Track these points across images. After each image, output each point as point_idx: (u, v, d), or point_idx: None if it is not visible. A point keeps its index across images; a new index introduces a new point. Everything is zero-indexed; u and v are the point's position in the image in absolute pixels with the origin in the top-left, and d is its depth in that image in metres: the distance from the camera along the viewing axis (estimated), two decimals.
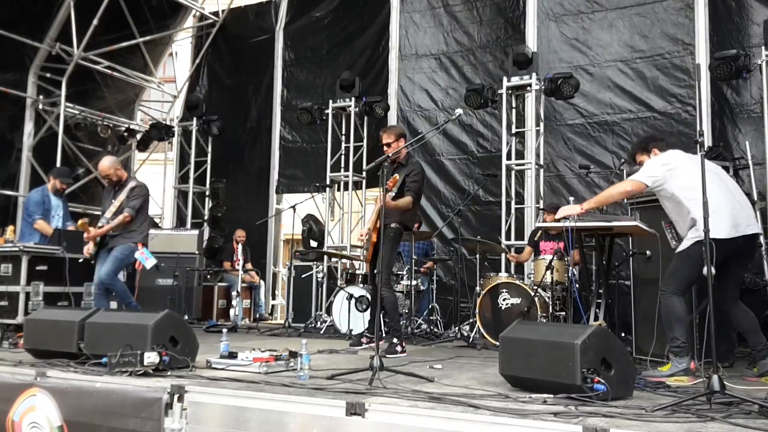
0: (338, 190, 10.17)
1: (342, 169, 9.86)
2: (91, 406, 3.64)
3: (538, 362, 3.45)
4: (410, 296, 7.45)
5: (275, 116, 11.11)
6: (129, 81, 11.79)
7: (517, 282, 6.75)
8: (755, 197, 6.72)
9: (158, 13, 11.47)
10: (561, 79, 7.94)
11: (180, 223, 11.48)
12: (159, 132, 11.53)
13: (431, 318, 7.97)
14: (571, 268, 6.08)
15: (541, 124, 8.49)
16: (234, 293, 9.01)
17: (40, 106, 10.66)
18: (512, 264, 8.01)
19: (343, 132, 9.93)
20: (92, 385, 3.72)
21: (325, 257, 9.19)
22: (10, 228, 6.78)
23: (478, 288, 7.09)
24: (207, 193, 11.02)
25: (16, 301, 6.14)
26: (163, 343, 4.06)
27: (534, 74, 8.19)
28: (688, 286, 4.29)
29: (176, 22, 12.08)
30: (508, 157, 8.40)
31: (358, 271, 8.50)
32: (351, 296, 7.40)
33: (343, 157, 9.88)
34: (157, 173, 12.60)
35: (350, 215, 9.90)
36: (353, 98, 9.60)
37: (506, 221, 8.32)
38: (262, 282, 10.44)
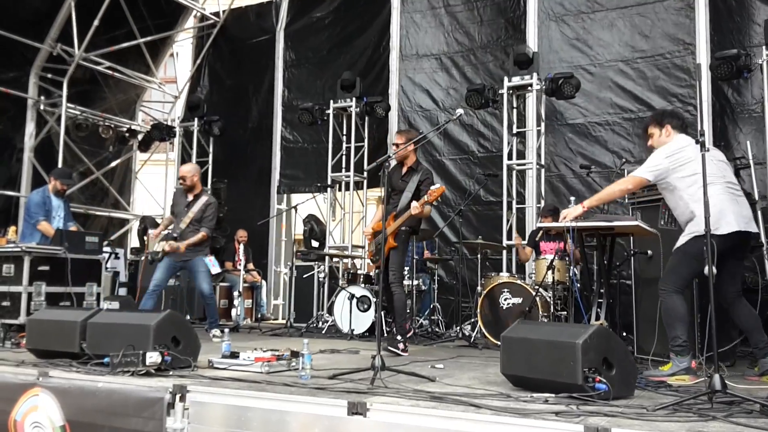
0: (339, 190, 10.17)
1: (343, 170, 9.86)
2: (94, 405, 3.64)
3: (540, 362, 3.45)
4: (412, 296, 7.45)
5: (276, 116, 11.12)
6: (130, 81, 11.80)
7: (519, 282, 6.75)
8: (756, 197, 6.71)
9: (159, 13, 11.48)
10: (562, 79, 7.94)
11: None
12: (160, 132, 11.54)
13: (433, 318, 7.98)
14: (572, 267, 6.08)
15: (542, 124, 8.49)
16: (236, 293, 9.01)
17: (42, 107, 10.66)
18: (513, 263, 8.01)
19: (344, 132, 9.93)
20: (94, 384, 3.73)
21: (327, 257, 9.19)
22: (12, 228, 6.79)
23: (479, 288, 7.10)
24: (209, 191, 11.01)
25: (18, 302, 6.15)
26: (165, 343, 4.07)
27: (535, 74, 8.19)
28: (688, 283, 4.28)
29: (177, 22, 12.09)
30: (509, 157, 8.40)
31: (359, 271, 8.51)
32: (352, 296, 7.40)
33: (344, 157, 9.88)
34: (158, 174, 12.62)
35: (351, 215, 9.90)
36: (354, 98, 9.60)
37: (507, 221, 8.32)
38: (263, 282, 10.45)
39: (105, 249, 8.17)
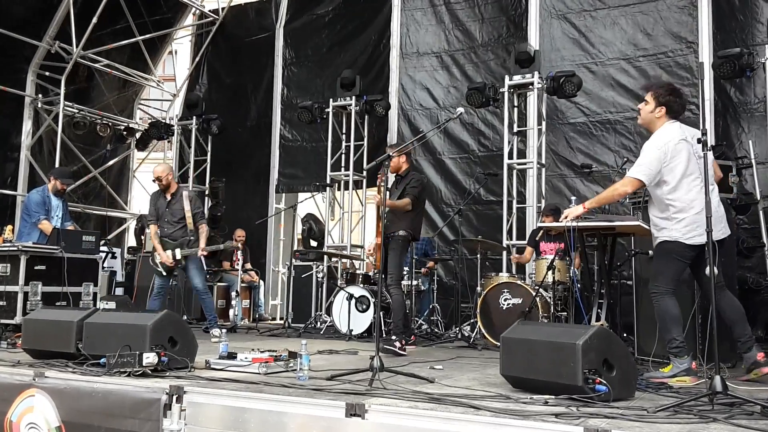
0: (338, 189, 10.14)
1: (342, 168, 9.83)
2: (90, 406, 3.61)
3: (540, 363, 3.43)
4: (411, 296, 7.42)
5: (275, 115, 11.09)
6: (128, 79, 11.77)
7: (519, 282, 6.72)
8: (758, 197, 6.70)
9: (158, 11, 11.46)
10: (563, 78, 7.91)
11: None
12: (158, 131, 11.50)
13: (432, 318, 7.95)
14: (573, 268, 6.05)
15: (543, 123, 8.46)
16: (233, 293, 8.98)
17: (39, 105, 10.63)
18: (513, 264, 7.97)
19: (344, 131, 9.90)
20: (91, 385, 3.70)
21: (325, 257, 9.16)
22: (9, 227, 6.76)
23: (479, 288, 7.07)
24: (206, 192, 10.99)
25: (14, 301, 6.12)
26: (162, 344, 4.04)
27: (536, 72, 8.16)
28: (677, 280, 4.23)
29: (176, 20, 12.07)
30: (510, 156, 8.37)
31: (358, 271, 8.48)
32: (351, 296, 7.37)
33: (343, 156, 9.85)
34: None
35: (350, 215, 9.87)
36: (354, 97, 9.57)
37: (508, 221, 8.29)
38: (261, 282, 10.42)
39: (102, 248, 8.14)
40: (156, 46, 12.09)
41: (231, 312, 8.64)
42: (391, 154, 5.14)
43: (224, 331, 5.19)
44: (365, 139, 9.82)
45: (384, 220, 5.36)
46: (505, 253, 8.11)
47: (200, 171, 11.21)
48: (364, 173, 9.70)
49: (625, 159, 7.29)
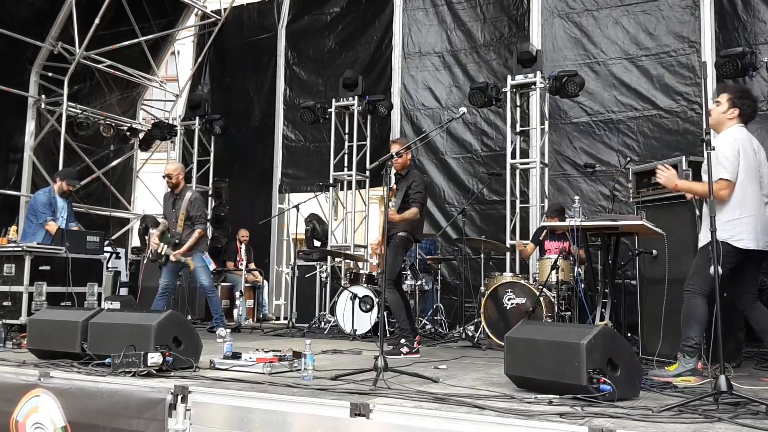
0: (341, 189, 10.14)
1: (345, 168, 9.84)
2: (95, 406, 3.62)
3: (544, 363, 3.43)
4: (415, 296, 7.43)
5: (278, 115, 11.10)
6: (131, 80, 11.78)
7: (522, 281, 6.72)
8: None
9: (160, 11, 11.46)
10: (566, 77, 7.90)
11: None
12: (161, 131, 11.52)
13: (436, 318, 7.95)
14: (576, 267, 6.05)
15: (546, 123, 8.45)
16: (237, 293, 9.00)
17: (42, 106, 10.65)
18: (517, 263, 7.97)
19: (347, 131, 9.91)
20: (96, 385, 3.71)
21: (329, 257, 9.16)
22: (13, 228, 6.77)
23: (482, 288, 7.07)
24: (210, 192, 11.01)
25: (19, 302, 6.14)
26: (167, 344, 4.05)
27: (538, 72, 8.16)
28: (713, 286, 4.19)
29: (178, 20, 12.07)
30: (513, 156, 8.37)
31: (361, 271, 8.48)
32: (355, 296, 7.38)
33: (346, 156, 9.85)
34: (159, 173, 12.51)
35: (354, 214, 9.88)
36: (356, 97, 9.58)
37: (511, 220, 8.29)
38: (265, 282, 10.43)
39: (106, 249, 8.16)
40: (158, 47, 12.09)
41: (235, 312, 8.66)
42: (398, 152, 5.15)
43: (228, 331, 5.20)
44: (368, 139, 9.83)
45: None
46: (508, 252, 8.11)
47: (203, 171, 11.23)
48: (367, 173, 9.71)
49: (629, 158, 7.28)
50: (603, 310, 5.37)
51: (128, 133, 11.84)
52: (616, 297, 5.61)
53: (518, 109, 8.47)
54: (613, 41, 8.44)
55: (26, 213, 7.79)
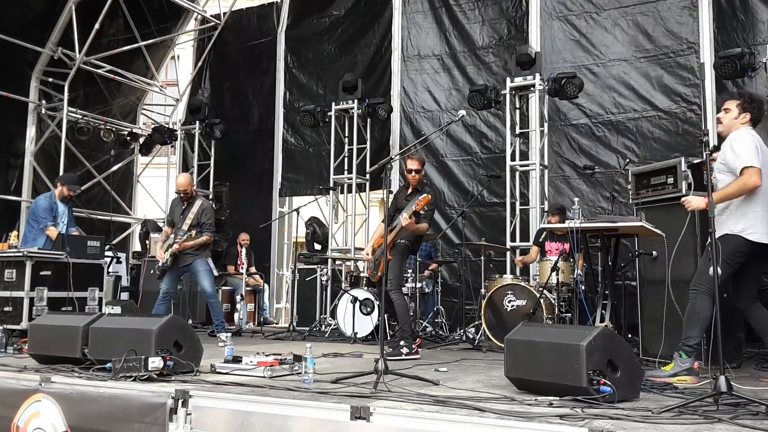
0: (342, 192, 10.16)
1: (345, 172, 9.84)
2: (96, 411, 3.63)
3: (544, 364, 3.43)
4: (415, 299, 7.43)
5: (278, 119, 11.11)
6: (131, 85, 11.80)
7: (523, 283, 6.72)
8: None
9: (160, 16, 11.49)
10: (565, 79, 7.91)
11: None
12: (162, 136, 11.54)
13: (436, 320, 7.95)
14: (577, 269, 6.05)
15: (545, 125, 8.46)
16: (238, 297, 9.01)
17: (43, 111, 10.67)
18: (517, 266, 7.97)
19: (346, 134, 9.92)
20: (96, 390, 3.72)
21: (329, 260, 9.17)
22: (14, 233, 6.79)
23: (483, 290, 7.07)
24: (210, 196, 11.02)
25: (20, 307, 6.16)
26: (168, 348, 4.05)
27: (538, 74, 8.17)
28: (721, 284, 4.19)
29: (178, 25, 12.09)
30: (513, 158, 8.38)
31: (362, 274, 8.48)
32: (355, 299, 7.38)
33: (346, 159, 9.86)
34: (160, 177, 12.61)
35: (354, 218, 9.88)
36: (356, 100, 9.59)
37: (511, 223, 8.29)
38: (266, 285, 10.44)
39: (107, 253, 8.17)
40: (158, 52, 12.12)
41: (236, 316, 8.66)
42: (397, 157, 5.15)
43: (229, 334, 5.21)
44: (368, 142, 9.84)
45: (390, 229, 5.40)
46: (509, 254, 8.11)
47: (204, 175, 11.23)
48: (367, 176, 9.71)
49: (628, 160, 7.30)
50: (603, 311, 5.38)
51: (128, 138, 11.86)
52: (616, 298, 5.61)
53: (518, 111, 8.48)
54: (612, 43, 8.45)
55: (27, 218, 7.81)
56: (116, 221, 11.95)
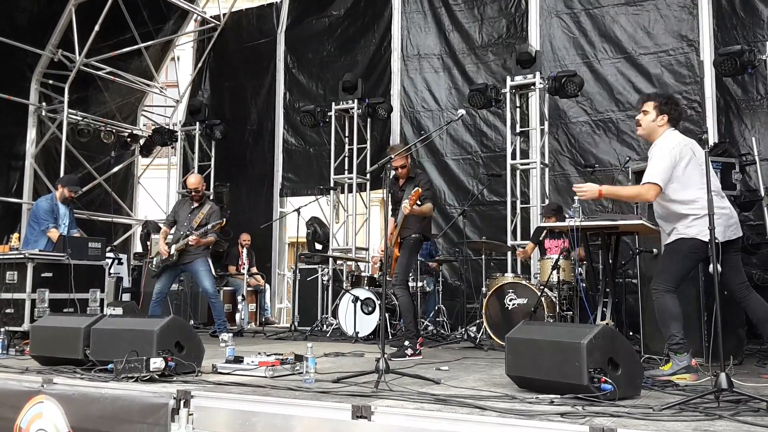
0: (342, 192, 10.16)
1: (346, 172, 9.85)
2: (98, 412, 3.64)
3: (545, 363, 3.43)
4: (417, 297, 7.43)
5: (278, 119, 11.12)
6: (131, 86, 11.81)
7: (524, 282, 6.73)
8: (762, 193, 6.69)
9: (160, 18, 11.49)
10: (565, 78, 7.91)
11: None
12: (162, 137, 11.55)
13: (438, 319, 7.96)
14: (577, 267, 6.06)
15: (546, 123, 8.46)
16: (239, 297, 9.01)
17: (43, 113, 10.68)
18: (518, 264, 7.97)
19: (347, 134, 9.92)
20: (98, 391, 3.73)
21: (330, 260, 9.18)
22: (15, 235, 6.79)
23: (484, 288, 7.08)
24: (211, 197, 11.03)
25: (21, 309, 6.16)
26: (169, 349, 4.06)
27: (538, 73, 8.17)
28: (680, 280, 4.22)
29: (178, 26, 12.10)
30: (513, 157, 8.38)
31: (363, 274, 8.49)
32: (357, 299, 7.38)
33: (346, 159, 9.87)
34: (160, 178, 12.62)
35: (355, 217, 9.89)
36: (356, 100, 9.59)
37: (512, 221, 8.30)
38: (267, 285, 10.45)
39: (108, 255, 8.18)
40: (158, 53, 12.13)
41: (237, 316, 8.66)
42: (392, 156, 5.16)
43: (231, 335, 5.21)
44: (368, 142, 9.84)
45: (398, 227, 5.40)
46: (510, 253, 8.11)
47: (204, 176, 11.19)
48: (368, 176, 9.72)
49: (628, 158, 7.28)
50: (604, 309, 5.38)
51: (129, 140, 11.88)
52: (617, 296, 5.62)
53: (518, 109, 8.48)
54: (612, 41, 8.45)
55: (28, 220, 7.81)
56: (117, 222, 11.96)
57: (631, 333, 5.91)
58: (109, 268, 7.88)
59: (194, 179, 7.28)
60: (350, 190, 9.95)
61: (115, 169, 11.88)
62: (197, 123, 11.12)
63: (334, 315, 8.03)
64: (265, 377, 4.05)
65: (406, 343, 5.55)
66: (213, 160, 11.23)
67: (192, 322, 8.84)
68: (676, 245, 4.20)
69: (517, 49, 8.43)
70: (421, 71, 9.80)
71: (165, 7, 11.38)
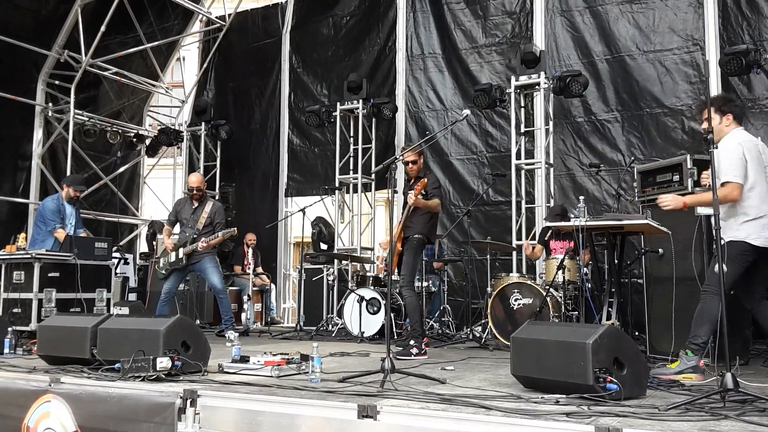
0: (347, 192, 10.18)
1: (351, 172, 9.86)
2: (105, 411, 3.65)
3: (550, 362, 3.43)
4: (422, 298, 7.44)
5: (283, 119, 11.13)
6: (137, 87, 11.85)
7: (529, 282, 6.72)
8: None
9: (165, 18, 11.53)
10: (569, 77, 7.91)
11: None
12: (168, 137, 11.59)
13: (443, 319, 7.96)
14: (583, 267, 6.05)
15: (551, 123, 8.45)
16: (245, 297, 9.03)
17: (50, 114, 10.72)
18: (524, 264, 7.96)
19: (352, 134, 9.94)
20: (106, 390, 3.74)
21: (336, 260, 9.19)
22: (22, 235, 6.83)
23: (489, 288, 7.08)
24: (217, 197, 11.05)
25: (29, 308, 6.20)
26: (175, 348, 4.08)
27: (542, 73, 8.16)
28: (732, 285, 4.19)
29: (183, 27, 12.13)
30: (518, 157, 8.37)
31: (368, 274, 8.50)
32: (362, 298, 7.39)
33: (351, 159, 9.88)
34: (166, 178, 12.67)
35: (360, 217, 9.90)
36: (361, 100, 9.60)
37: (517, 221, 8.29)
38: (273, 285, 10.46)
39: (114, 255, 8.21)
40: (164, 53, 12.17)
41: (243, 316, 8.68)
42: (401, 155, 5.16)
43: (237, 334, 5.23)
44: (373, 142, 9.85)
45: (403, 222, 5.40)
46: (515, 253, 8.11)
47: (210, 176, 11.26)
48: (373, 176, 9.73)
49: (633, 157, 7.29)
50: (610, 309, 5.38)
51: (135, 140, 11.93)
52: (622, 296, 5.62)
53: (522, 109, 8.46)
54: (617, 40, 8.43)
55: (35, 220, 7.85)
56: (123, 222, 12.01)
57: (636, 333, 5.90)
58: (115, 268, 7.92)
59: (195, 178, 7.29)
60: (355, 190, 9.96)
61: (121, 169, 11.93)
62: (203, 123, 11.16)
63: (340, 315, 8.03)
64: (271, 377, 4.06)
65: (412, 342, 5.55)
66: (218, 160, 11.27)
67: (198, 321, 8.86)
68: (728, 248, 4.10)
69: (522, 48, 8.43)
70: (426, 71, 9.80)
71: (170, 8, 11.42)
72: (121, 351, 4.05)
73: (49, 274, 6.32)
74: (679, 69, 8.03)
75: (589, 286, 6.12)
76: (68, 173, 9.86)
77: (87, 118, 10.90)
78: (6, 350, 5.37)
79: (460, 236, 8.91)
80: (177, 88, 13.14)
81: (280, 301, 10.99)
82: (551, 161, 8.40)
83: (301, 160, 10.93)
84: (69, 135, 10.33)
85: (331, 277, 9.01)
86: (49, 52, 10.47)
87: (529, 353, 3.62)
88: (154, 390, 3.62)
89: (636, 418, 2.84)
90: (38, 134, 10.70)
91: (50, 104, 10.71)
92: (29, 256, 6.29)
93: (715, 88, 7.63)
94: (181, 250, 6.95)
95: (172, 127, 12.02)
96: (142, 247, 12.02)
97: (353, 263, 9.23)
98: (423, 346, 5.60)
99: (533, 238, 7.94)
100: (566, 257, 6.33)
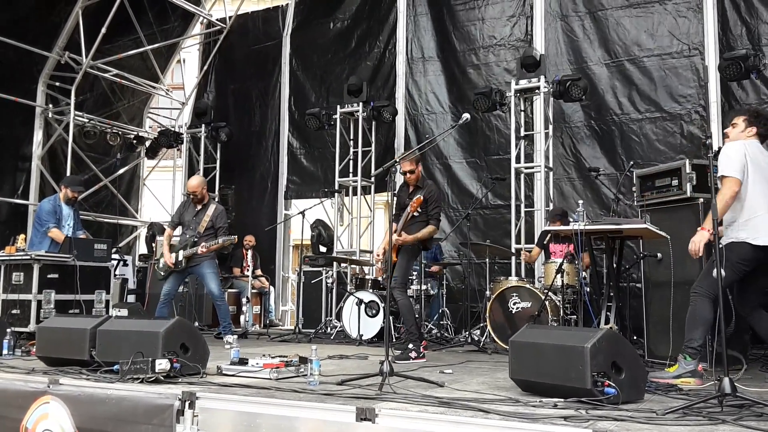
0: (347, 195, 10.19)
1: (350, 174, 9.87)
2: (104, 413, 3.66)
3: (549, 366, 3.44)
4: (420, 301, 7.45)
5: (283, 122, 11.15)
6: (137, 88, 11.86)
7: (528, 285, 6.73)
8: None
9: (166, 20, 11.55)
10: (569, 82, 7.92)
11: None
12: (168, 139, 11.61)
13: (441, 323, 7.97)
14: (581, 271, 6.06)
15: (550, 127, 8.46)
16: (244, 299, 9.03)
17: (50, 115, 10.74)
18: (522, 267, 7.97)
19: (351, 137, 9.95)
20: (104, 392, 3.75)
21: (335, 262, 9.20)
22: (21, 237, 6.83)
23: (488, 292, 7.08)
24: (216, 199, 11.06)
25: (28, 310, 6.20)
26: (174, 350, 4.08)
27: (542, 77, 8.17)
28: (724, 289, 4.19)
29: (184, 29, 12.15)
30: (517, 161, 8.38)
31: (367, 277, 8.51)
32: (361, 301, 7.40)
33: (351, 162, 9.89)
34: (166, 180, 12.67)
35: (359, 220, 9.91)
36: (361, 103, 9.61)
37: (516, 225, 8.30)
38: (272, 288, 10.46)
39: (113, 256, 8.21)
40: (164, 55, 12.19)
41: (242, 318, 8.68)
42: (397, 160, 5.16)
43: (235, 337, 5.23)
44: (373, 145, 9.86)
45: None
46: (513, 257, 8.12)
47: (209, 178, 11.25)
48: (372, 179, 9.75)
49: (632, 162, 7.29)
50: (608, 313, 5.39)
51: (135, 141, 11.95)
52: (621, 300, 5.62)
53: (522, 113, 8.48)
54: (616, 44, 8.45)
55: (33, 222, 7.85)
56: (123, 224, 12.01)
57: (635, 337, 5.90)
58: (115, 270, 7.92)
59: (195, 182, 7.20)
60: (355, 193, 9.97)
61: (121, 171, 11.94)
62: (203, 125, 11.17)
63: (338, 317, 8.04)
64: (270, 379, 4.07)
65: (410, 345, 5.56)
66: (218, 162, 11.28)
67: (197, 323, 8.87)
68: (724, 250, 4.10)
69: (522, 52, 8.44)
70: (426, 74, 9.82)
71: (171, 10, 11.44)
72: (119, 352, 4.06)
73: (48, 276, 6.32)
74: (679, 73, 8.04)
75: (588, 290, 6.13)
76: (68, 175, 9.87)
77: (87, 120, 10.92)
78: (5, 351, 5.37)
79: (459, 239, 8.91)
80: (177, 90, 13.16)
81: (279, 304, 10.99)
82: (551, 165, 8.41)
83: (301, 163, 10.94)
84: (69, 136, 10.34)
85: (330, 280, 9.02)
86: (49, 54, 10.49)
87: (527, 357, 3.62)
88: (153, 392, 3.62)
89: (634, 422, 2.84)
90: (38, 135, 10.71)
91: (50, 105, 10.72)
92: (28, 257, 6.29)
93: (714, 93, 7.64)
94: (180, 253, 6.92)
95: (172, 129, 12.05)
96: (142, 248, 12.03)
97: (352, 266, 9.24)
98: (421, 349, 5.61)
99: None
100: (565, 261, 6.34)
